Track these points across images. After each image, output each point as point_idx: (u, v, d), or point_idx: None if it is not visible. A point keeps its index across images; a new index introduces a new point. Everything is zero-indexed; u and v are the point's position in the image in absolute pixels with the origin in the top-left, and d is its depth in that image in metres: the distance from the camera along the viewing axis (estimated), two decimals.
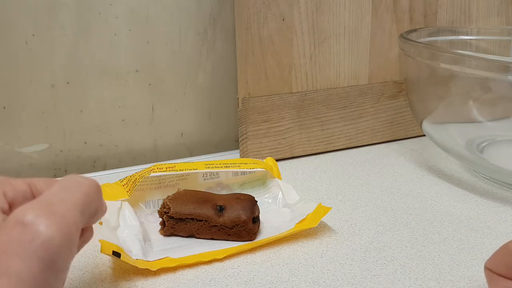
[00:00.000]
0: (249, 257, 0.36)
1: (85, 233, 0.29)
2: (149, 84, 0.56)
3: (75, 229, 0.24)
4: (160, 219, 0.38)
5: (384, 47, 0.57)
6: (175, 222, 0.38)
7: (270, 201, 0.43)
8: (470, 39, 0.60)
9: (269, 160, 0.46)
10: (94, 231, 0.39)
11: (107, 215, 0.37)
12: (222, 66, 0.58)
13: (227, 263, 0.35)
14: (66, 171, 0.55)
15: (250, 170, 0.43)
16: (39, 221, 0.22)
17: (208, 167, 0.43)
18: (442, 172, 0.51)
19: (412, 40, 0.48)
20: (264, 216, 0.40)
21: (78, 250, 0.29)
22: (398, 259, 0.36)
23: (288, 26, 0.51)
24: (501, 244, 0.28)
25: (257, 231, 0.38)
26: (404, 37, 0.49)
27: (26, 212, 0.23)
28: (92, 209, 0.27)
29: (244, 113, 0.52)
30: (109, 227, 0.36)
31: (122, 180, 0.43)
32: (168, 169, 0.42)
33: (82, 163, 0.55)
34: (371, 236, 0.39)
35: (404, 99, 0.60)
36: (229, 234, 0.37)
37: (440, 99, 0.48)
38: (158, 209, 0.39)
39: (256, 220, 0.38)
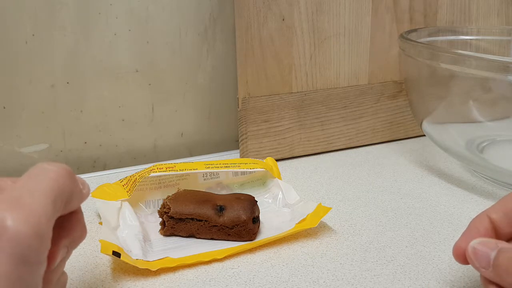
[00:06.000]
0: (249, 257, 0.36)
1: (74, 232, 0.27)
2: (149, 84, 0.56)
3: (45, 219, 0.23)
4: (160, 219, 0.38)
5: (384, 47, 0.57)
6: (175, 222, 0.38)
7: (270, 201, 0.43)
8: (470, 39, 0.60)
9: (269, 160, 0.46)
10: (94, 231, 0.39)
11: (107, 215, 0.37)
12: (222, 66, 0.58)
13: (227, 263, 0.35)
14: None
15: (250, 170, 0.43)
16: (5, 216, 0.21)
17: (208, 167, 0.43)
18: (442, 172, 0.51)
19: (412, 40, 0.48)
20: (264, 216, 0.40)
21: (70, 251, 0.27)
22: (398, 259, 0.36)
23: (288, 26, 0.51)
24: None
25: (257, 231, 0.38)
26: (404, 37, 0.49)
27: None
28: (65, 195, 0.25)
29: (244, 113, 0.52)
30: (109, 227, 0.36)
31: (122, 180, 0.43)
32: (168, 169, 0.42)
33: (82, 163, 0.55)
34: (371, 236, 0.39)
35: (404, 99, 0.60)
36: (229, 234, 0.37)
37: (440, 99, 0.48)
38: (158, 209, 0.39)
39: (256, 220, 0.38)
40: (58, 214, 0.25)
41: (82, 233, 0.28)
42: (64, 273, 0.29)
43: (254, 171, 0.44)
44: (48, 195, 0.24)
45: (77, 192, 0.27)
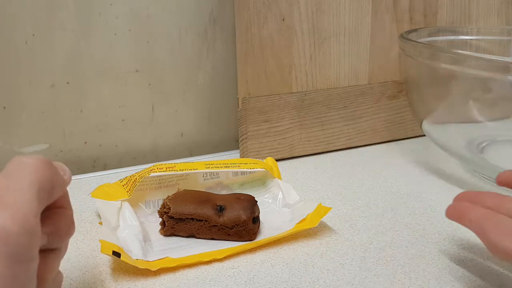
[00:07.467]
0: (249, 257, 0.36)
1: (57, 222, 0.27)
2: (149, 84, 0.56)
3: (32, 215, 0.23)
4: (160, 219, 0.38)
5: (384, 47, 0.57)
6: (175, 222, 0.38)
7: (270, 201, 0.43)
8: (470, 39, 0.60)
9: (269, 160, 0.46)
10: (94, 231, 0.39)
11: (107, 215, 0.37)
12: (222, 66, 0.58)
13: (227, 263, 0.35)
14: None
15: (250, 170, 0.43)
16: None
17: (208, 167, 0.43)
18: (442, 172, 0.51)
19: (412, 40, 0.48)
20: (264, 216, 0.40)
21: (63, 248, 0.27)
22: (398, 259, 0.36)
23: (288, 26, 0.51)
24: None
25: (257, 231, 0.38)
26: (404, 37, 0.49)
27: None
28: (47, 186, 0.25)
29: (244, 113, 0.52)
30: (109, 227, 0.36)
31: (122, 180, 0.43)
32: (168, 169, 0.42)
33: (82, 163, 0.55)
34: (371, 236, 0.39)
35: (404, 99, 0.60)
36: (229, 234, 0.37)
37: (440, 99, 0.48)
38: (158, 209, 0.39)
39: (256, 220, 0.38)
40: (43, 206, 0.25)
41: (68, 226, 0.28)
42: (59, 273, 0.29)
43: (254, 171, 0.44)
44: (31, 190, 0.24)
45: (59, 180, 0.26)
